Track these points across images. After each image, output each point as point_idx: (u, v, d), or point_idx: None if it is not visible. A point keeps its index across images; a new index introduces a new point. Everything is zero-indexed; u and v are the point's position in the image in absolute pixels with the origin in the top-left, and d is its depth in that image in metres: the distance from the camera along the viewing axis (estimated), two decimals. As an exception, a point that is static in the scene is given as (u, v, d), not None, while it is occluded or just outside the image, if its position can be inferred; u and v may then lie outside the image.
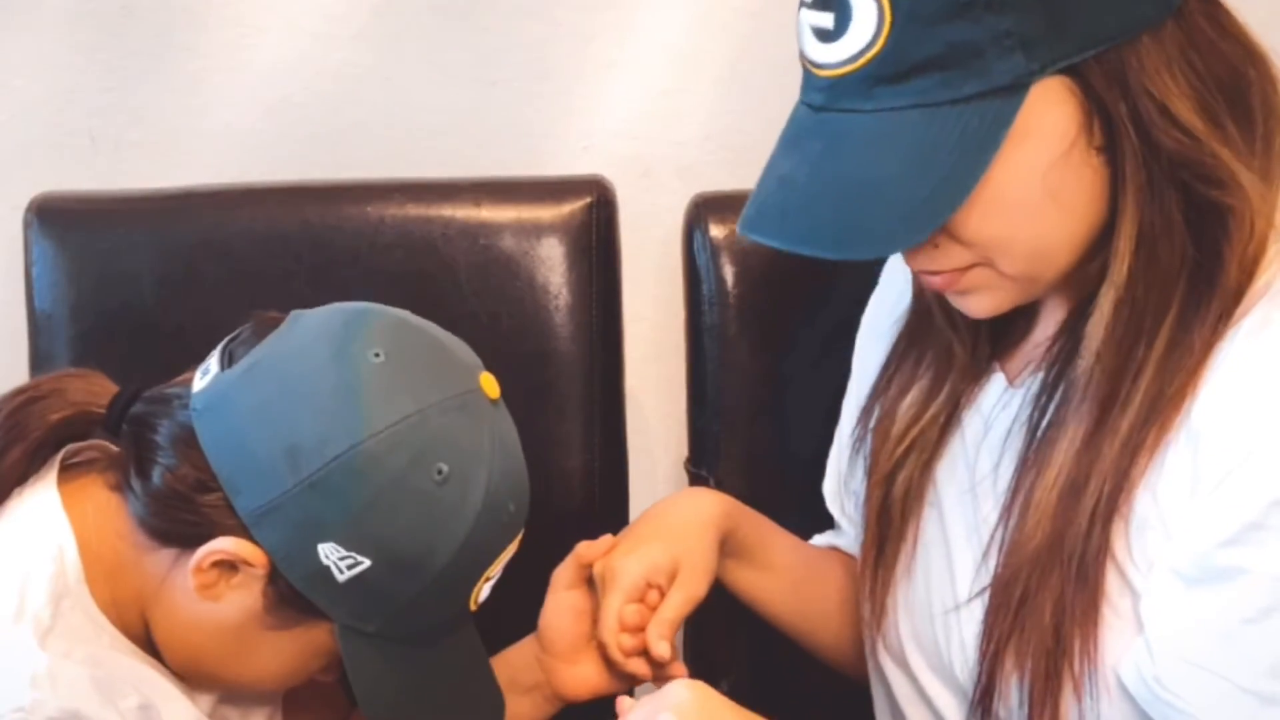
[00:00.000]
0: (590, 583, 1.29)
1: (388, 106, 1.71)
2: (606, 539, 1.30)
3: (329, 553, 1.07)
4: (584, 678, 1.29)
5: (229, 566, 1.09)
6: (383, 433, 1.07)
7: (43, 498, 1.12)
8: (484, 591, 1.14)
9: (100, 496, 1.13)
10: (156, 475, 1.10)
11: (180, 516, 1.10)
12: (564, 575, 1.31)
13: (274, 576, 1.09)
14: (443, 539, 1.09)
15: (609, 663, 1.28)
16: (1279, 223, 1.09)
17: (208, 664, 1.14)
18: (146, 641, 1.14)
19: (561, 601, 1.30)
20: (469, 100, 1.71)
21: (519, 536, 1.15)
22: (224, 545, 1.08)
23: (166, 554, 1.11)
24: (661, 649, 1.24)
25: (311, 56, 1.70)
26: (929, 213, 1.03)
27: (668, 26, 1.71)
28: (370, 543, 1.07)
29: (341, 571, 1.08)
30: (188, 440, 1.10)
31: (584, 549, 1.30)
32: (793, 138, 1.08)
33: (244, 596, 1.10)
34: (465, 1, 1.70)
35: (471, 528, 1.09)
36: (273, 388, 1.09)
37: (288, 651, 1.13)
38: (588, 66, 1.71)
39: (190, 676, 1.17)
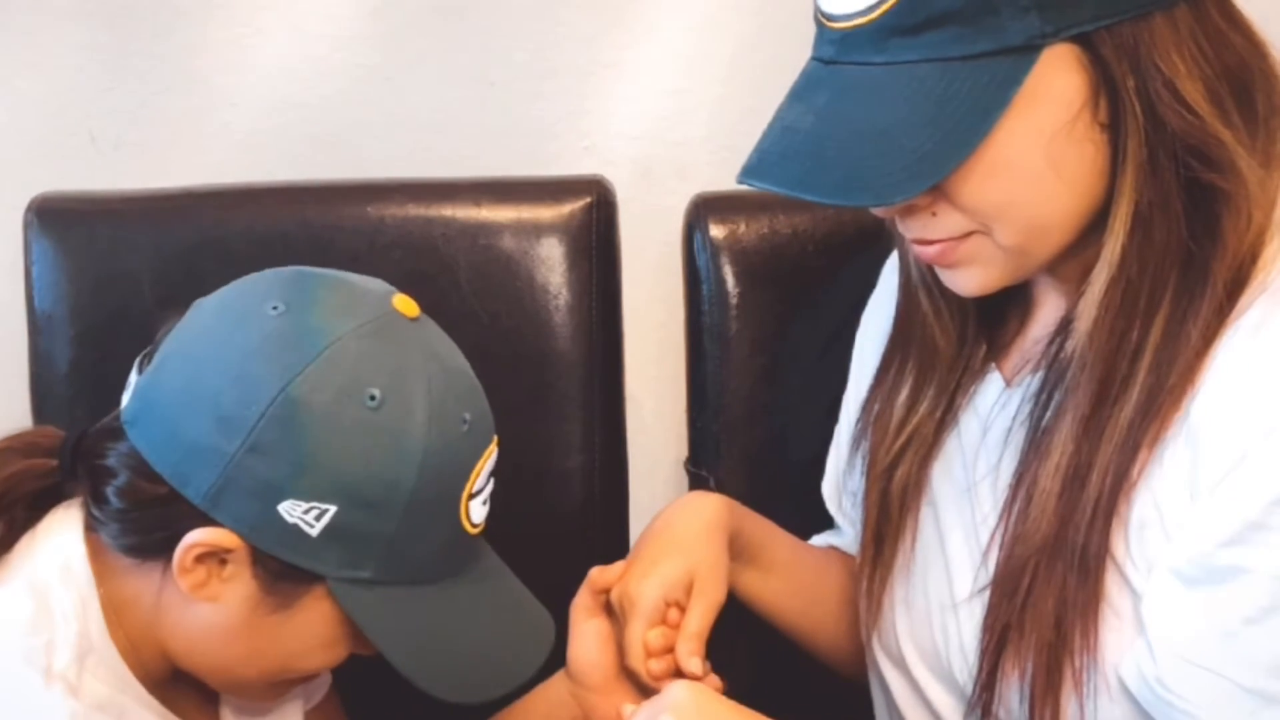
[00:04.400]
0: (609, 608, 1.29)
1: (388, 106, 1.71)
2: (619, 565, 1.30)
3: (291, 510, 1.06)
4: (620, 707, 1.28)
5: (215, 560, 1.08)
6: (301, 375, 1.06)
7: (67, 549, 1.12)
8: (474, 511, 1.13)
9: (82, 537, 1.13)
10: (112, 496, 1.10)
11: (147, 527, 1.09)
12: (582, 605, 1.30)
13: (258, 555, 1.08)
14: (400, 462, 1.07)
15: (643, 689, 1.27)
16: (1278, 220, 1.10)
17: (237, 668, 1.13)
18: (171, 678, 1.14)
19: (586, 633, 1.29)
20: (469, 100, 1.71)
21: (492, 446, 1.14)
22: (195, 537, 1.07)
23: (153, 570, 1.10)
24: (693, 666, 1.23)
25: (312, 56, 1.70)
26: (931, 165, 1.03)
27: (668, 26, 1.71)
28: (327, 487, 1.06)
29: (311, 525, 1.06)
30: (130, 454, 1.10)
31: (597, 576, 1.29)
32: (800, 90, 1.09)
33: (239, 587, 1.09)
34: (465, 1, 1.70)
35: (426, 444, 1.08)
36: (186, 371, 1.09)
37: (306, 628, 1.11)
38: (588, 66, 1.71)
39: (228, 688, 1.17)
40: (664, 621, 1.26)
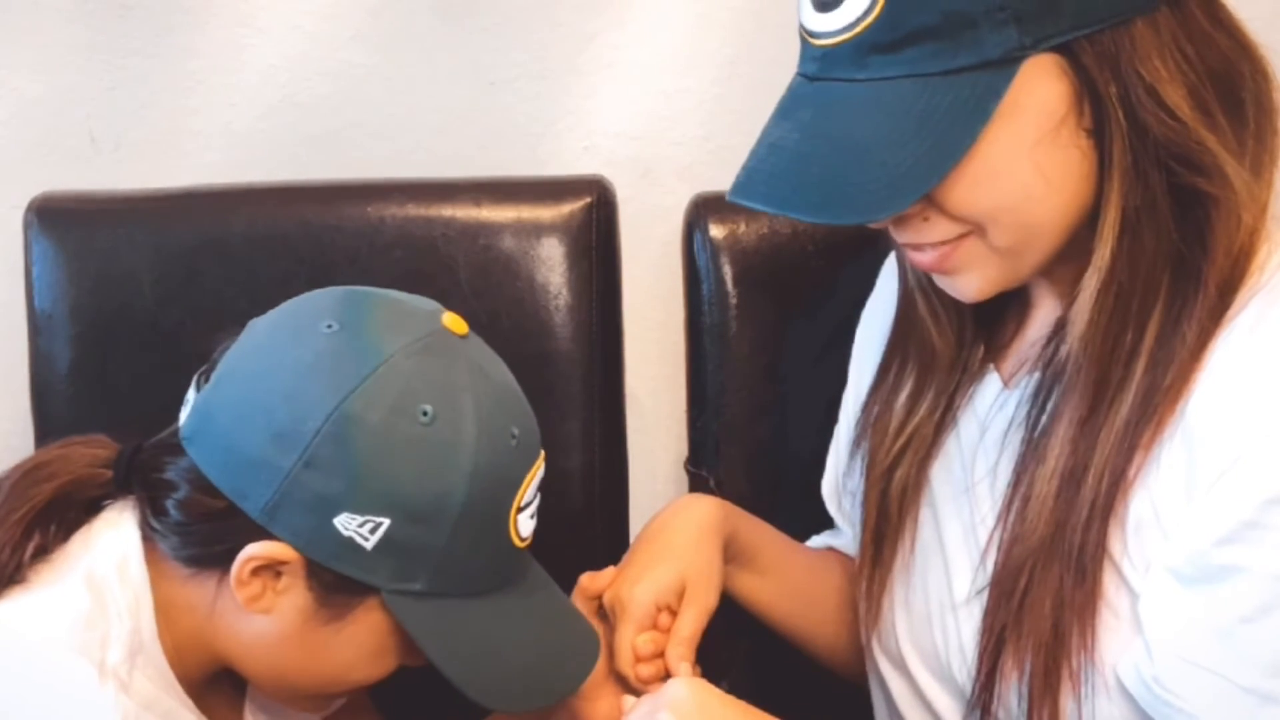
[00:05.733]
0: (601, 613, 1.29)
1: (388, 106, 1.71)
2: (609, 570, 1.30)
3: (346, 523, 1.08)
4: (610, 711, 1.28)
5: (271, 573, 1.10)
6: (354, 392, 1.07)
7: (125, 545, 1.13)
8: (523, 524, 1.14)
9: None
10: (172, 509, 1.12)
11: (206, 539, 1.11)
12: None
13: (312, 568, 1.10)
14: (450, 476, 1.09)
15: (632, 693, 1.27)
16: (1271, 221, 1.10)
17: (291, 676, 1.15)
18: (205, 683, 1.15)
19: None
20: (469, 100, 1.71)
21: (539, 461, 1.15)
22: (252, 550, 1.09)
23: (208, 579, 1.12)
24: (683, 671, 1.23)
25: (311, 56, 1.70)
26: (915, 179, 1.03)
27: (668, 26, 1.71)
28: (381, 501, 1.08)
29: (366, 538, 1.08)
30: (189, 468, 1.11)
31: (587, 581, 1.30)
32: (786, 107, 1.09)
33: (294, 599, 1.11)
34: (465, 1, 1.70)
35: (476, 458, 1.09)
36: (243, 388, 1.11)
37: (357, 639, 1.12)
38: (588, 66, 1.71)
39: (281, 695, 1.19)
40: (654, 626, 1.27)
